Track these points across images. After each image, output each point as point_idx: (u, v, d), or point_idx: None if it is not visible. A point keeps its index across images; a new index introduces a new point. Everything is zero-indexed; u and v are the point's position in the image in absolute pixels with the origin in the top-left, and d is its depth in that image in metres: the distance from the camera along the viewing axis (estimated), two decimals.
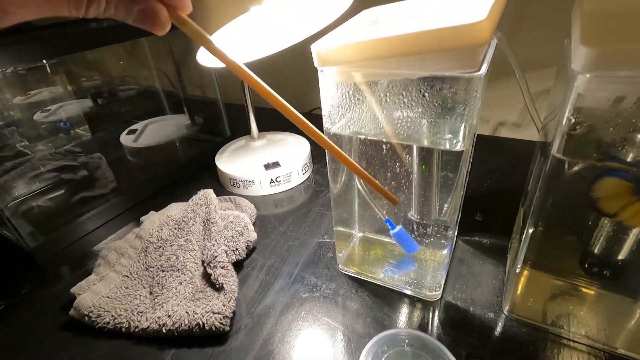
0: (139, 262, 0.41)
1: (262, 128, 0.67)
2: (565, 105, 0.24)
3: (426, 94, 0.27)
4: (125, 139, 0.73)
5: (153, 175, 0.64)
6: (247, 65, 0.24)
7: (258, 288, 0.41)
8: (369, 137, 0.32)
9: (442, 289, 0.37)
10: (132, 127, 0.77)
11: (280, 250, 0.46)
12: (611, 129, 0.23)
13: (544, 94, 0.62)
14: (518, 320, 0.35)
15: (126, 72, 0.89)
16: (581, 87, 0.23)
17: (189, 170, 0.68)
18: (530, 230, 0.32)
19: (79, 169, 0.62)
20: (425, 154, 0.34)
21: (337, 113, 0.32)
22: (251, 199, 0.58)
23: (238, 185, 0.58)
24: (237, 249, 0.42)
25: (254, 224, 0.51)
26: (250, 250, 0.46)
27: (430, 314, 0.36)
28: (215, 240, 0.41)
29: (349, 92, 0.30)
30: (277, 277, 0.42)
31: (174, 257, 0.40)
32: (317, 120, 0.28)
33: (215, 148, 0.68)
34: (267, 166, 0.59)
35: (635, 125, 0.22)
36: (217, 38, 0.25)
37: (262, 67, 0.39)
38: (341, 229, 0.43)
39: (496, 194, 0.53)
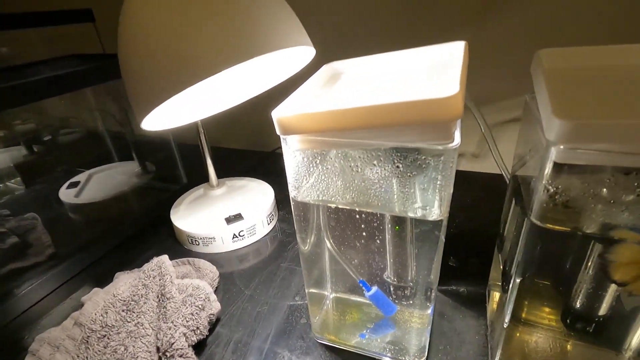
0: (78, 357, 0.34)
1: (220, 172, 0.63)
2: (541, 174, 0.23)
3: (400, 165, 0.25)
4: (66, 193, 0.66)
5: (99, 235, 0.57)
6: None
7: None
8: (338, 206, 0.30)
9: (426, 353, 0.35)
10: (73, 180, 0.69)
11: (247, 319, 0.42)
12: (590, 198, 0.22)
13: (500, 125, 0.64)
14: None
15: (68, 113, 0.82)
16: (556, 156, 0.22)
17: (141, 225, 0.62)
18: (517, 284, 0.30)
19: (7, 235, 0.54)
20: (397, 218, 0.32)
21: (303, 180, 0.29)
22: (212, 256, 0.53)
23: (197, 243, 0.53)
24: (198, 328, 0.37)
25: (216, 289, 0.47)
26: (214, 323, 0.41)
27: None
28: (172, 322, 0.36)
29: (315, 160, 0.28)
30: (246, 355, 0.37)
31: (122, 349, 0.34)
32: (279, 158, 0.25)
33: (172, 197, 0.62)
34: (229, 220, 0.54)
35: (614, 196, 0.22)
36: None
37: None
38: (314, 291, 0.39)
39: (467, 234, 0.52)
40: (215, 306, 0.40)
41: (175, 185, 0.70)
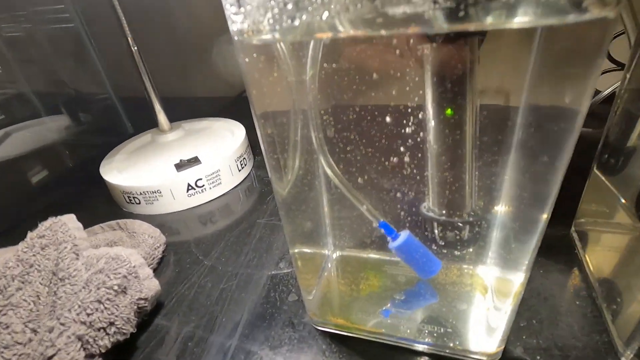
0: None
1: (177, 119, 0.47)
2: None
3: None
4: None
5: (13, 201, 0.41)
6: None
7: None
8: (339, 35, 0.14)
9: (504, 340, 0.20)
10: None
11: (205, 302, 0.27)
12: None
13: None
14: None
15: None
16: None
17: (70, 187, 0.46)
18: None
19: None
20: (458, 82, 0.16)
21: None
22: (161, 218, 0.37)
23: (137, 201, 0.37)
24: (111, 324, 0.22)
25: (160, 261, 0.31)
26: (150, 313, 0.26)
27: None
28: (59, 319, 0.21)
29: None
30: (202, 359, 0.22)
31: None
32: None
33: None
34: (180, 165, 0.38)
35: None
36: None
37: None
38: (305, 250, 0.24)
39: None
40: (149, 286, 0.25)
41: (118, 138, 0.53)
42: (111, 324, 0.22)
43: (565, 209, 0.27)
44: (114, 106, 0.56)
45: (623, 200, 0.23)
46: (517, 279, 0.18)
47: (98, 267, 0.24)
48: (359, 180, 0.22)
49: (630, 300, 0.20)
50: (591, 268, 0.24)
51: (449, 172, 0.19)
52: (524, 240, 0.18)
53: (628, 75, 0.22)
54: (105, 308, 0.22)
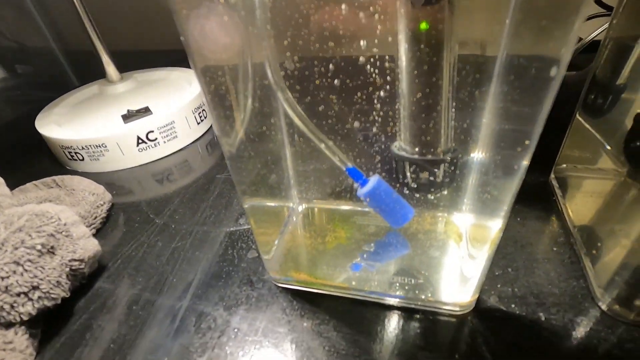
0: None
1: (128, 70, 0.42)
2: None
3: None
4: None
5: None
6: None
7: (102, 358, 0.19)
8: None
9: (477, 290, 0.19)
10: None
11: (154, 262, 0.24)
12: None
13: None
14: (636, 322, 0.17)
15: None
16: None
17: (6, 144, 0.41)
18: None
19: None
20: None
21: None
22: (108, 176, 0.33)
23: (80, 157, 0.33)
24: (34, 289, 0.19)
25: (106, 220, 0.28)
26: (90, 276, 0.23)
27: (464, 343, 0.17)
28: None
29: None
30: (146, 323, 0.20)
31: None
32: None
33: None
34: (129, 116, 0.34)
35: None
36: None
37: None
38: (265, 204, 0.22)
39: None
40: (85, 246, 0.22)
41: (61, 92, 0.47)
42: (34, 288, 0.19)
43: (545, 156, 0.26)
44: (57, 59, 0.49)
45: (607, 146, 0.21)
46: (494, 225, 0.16)
47: (17, 225, 0.20)
48: (324, 121, 0.19)
49: (612, 245, 0.19)
50: (570, 215, 0.23)
51: (422, 104, 0.17)
52: (502, 186, 0.16)
53: (620, 9, 0.20)
54: (26, 270, 0.18)
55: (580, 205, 0.23)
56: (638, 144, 0.19)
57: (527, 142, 0.14)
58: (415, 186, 0.19)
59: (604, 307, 0.18)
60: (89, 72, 0.45)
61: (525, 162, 0.14)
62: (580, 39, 0.38)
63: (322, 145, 0.18)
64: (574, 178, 0.24)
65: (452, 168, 0.18)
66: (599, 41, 0.22)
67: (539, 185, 0.26)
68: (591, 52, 0.24)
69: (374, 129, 0.19)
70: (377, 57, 0.16)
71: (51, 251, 0.20)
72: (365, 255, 0.21)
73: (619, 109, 0.20)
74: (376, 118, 0.18)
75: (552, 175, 0.26)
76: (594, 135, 0.22)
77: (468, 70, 0.16)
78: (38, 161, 0.37)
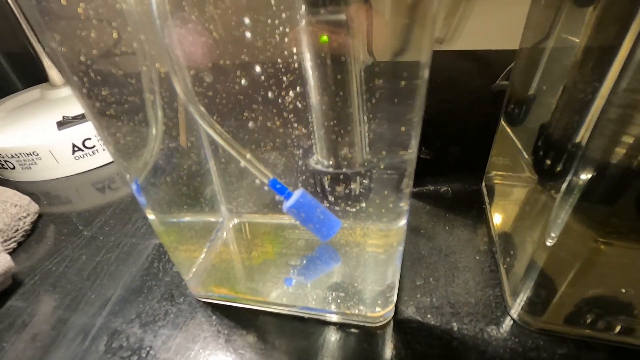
0: None
1: None
2: None
3: None
4: None
5: None
6: None
7: None
8: None
9: (395, 295, 0.19)
10: None
11: (74, 278, 0.23)
12: None
13: None
14: (544, 330, 0.18)
15: None
16: None
17: None
18: (588, 165, 0.14)
19: None
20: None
21: None
22: (42, 186, 0.32)
23: (10, 166, 0.32)
24: None
25: (30, 232, 0.26)
26: (4, 293, 0.22)
27: (377, 356, 0.17)
28: None
29: None
30: (55, 343, 0.19)
31: None
32: None
33: None
34: (63, 123, 0.32)
35: None
36: None
37: None
38: (187, 219, 0.21)
39: (444, 115, 0.36)
40: None
41: (1, 96, 0.45)
42: None
43: (479, 164, 0.26)
44: None
45: (524, 154, 0.22)
46: (393, 230, 0.16)
47: None
48: (244, 136, 0.18)
49: (522, 253, 0.19)
50: (494, 222, 0.23)
51: (331, 117, 0.17)
52: (393, 189, 0.16)
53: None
54: None
55: (502, 213, 0.23)
56: (541, 153, 0.19)
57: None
58: (333, 199, 0.19)
59: (514, 315, 0.18)
60: (34, 74, 0.43)
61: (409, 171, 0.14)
62: None
63: (243, 159, 0.18)
64: (499, 186, 0.25)
65: (368, 181, 0.18)
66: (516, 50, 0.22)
67: (472, 193, 0.26)
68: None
69: (293, 142, 0.19)
70: (287, 68, 0.16)
71: None
72: (296, 270, 0.21)
73: (532, 119, 0.21)
74: (294, 130, 0.18)
75: (483, 183, 0.27)
76: (514, 142, 0.23)
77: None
78: None
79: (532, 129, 0.20)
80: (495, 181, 0.25)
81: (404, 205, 0.15)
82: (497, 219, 0.23)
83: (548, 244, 0.16)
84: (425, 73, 0.11)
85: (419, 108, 0.12)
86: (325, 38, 0.15)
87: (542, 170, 0.18)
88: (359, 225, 0.20)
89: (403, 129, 0.13)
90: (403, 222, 0.16)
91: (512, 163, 0.23)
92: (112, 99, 0.15)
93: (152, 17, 0.14)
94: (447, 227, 0.24)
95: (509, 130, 0.23)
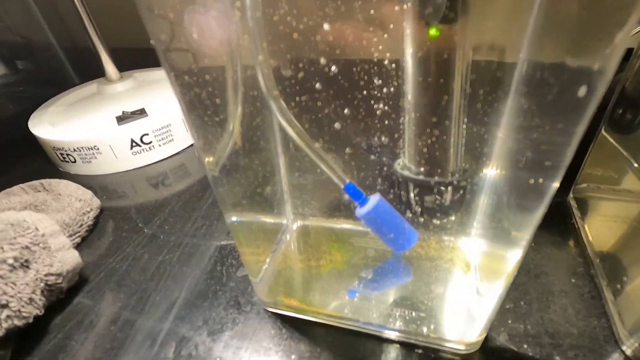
0: None
1: (129, 69, 0.40)
2: None
3: None
4: None
5: None
6: None
7: None
8: None
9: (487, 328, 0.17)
10: None
11: (138, 277, 0.22)
12: None
13: None
14: None
15: None
16: None
17: (2, 144, 0.40)
18: None
19: None
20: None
21: None
22: (101, 179, 0.32)
23: (72, 159, 0.32)
24: (2, 308, 0.17)
25: (93, 227, 0.26)
26: (69, 291, 0.22)
27: None
28: None
29: None
30: (124, 346, 0.18)
31: None
32: None
33: None
34: (123, 118, 0.33)
35: None
36: None
37: None
38: (255, 219, 0.20)
39: None
40: (64, 259, 0.20)
41: (61, 90, 0.46)
42: (3, 306, 0.17)
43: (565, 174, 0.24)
44: (57, 56, 0.48)
45: (635, 164, 0.19)
46: (511, 257, 0.14)
47: None
48: (322, 134, 0.17)
49: (638, 279, 0.17)
50: (591, 241, 0.21)
51: (429, 120, 0.15)
52: (523, 210, 0.14)
53: None
54: None
55: (603, 230, 0.21)
56: None
57: (547, 163, 0.12)
58: (419, 210, 0.17)
59: (629, 352, 0.16)
60: (90, 69, 0.44)
61: (555, 184, 0.12)
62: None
63: (319, 160, 0.16)
64: (595, 199, 0.22)
65: (461, 192, 0.16)
66: (632, 49, 0.20)
67: (554, 206, 0.24)
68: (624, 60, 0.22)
69: (377, 142, 0.17)
70: (381, 63, 0.15)
71: (25, 265, 0.19)
72: (362, 283, 0.19)
73: None
74: (379, 130, 0.16)
75: (571, 195, 0.24)
76: (621, 153, 0.20)
77: (483, 82, 0.14)
78: (31, 160, 0.36)
79: None
80: (589, 194, 0.22)
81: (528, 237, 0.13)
82: (594, 237, 0.21)
83: None
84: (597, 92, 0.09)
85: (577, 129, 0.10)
86: (434, 31, 0.13)
87: None
88: (464, 242, 0.18)
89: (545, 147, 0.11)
90: (517, 253, 0.14)
91: (616, 174, 0.20)
92: (204, 93, 0.14)
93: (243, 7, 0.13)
94: (533, 244, 0.21)
95: (612, 139, 0.20)
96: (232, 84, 0.16)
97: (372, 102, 0.15)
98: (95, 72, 0.41)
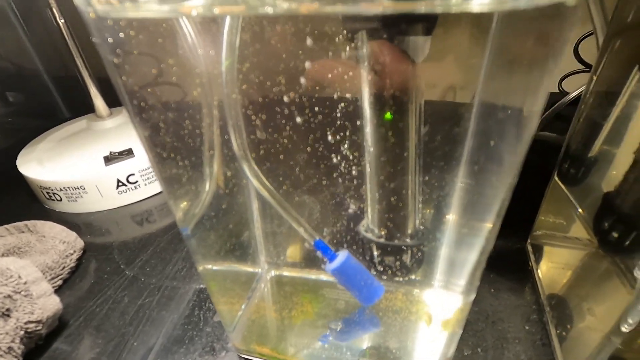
0: None
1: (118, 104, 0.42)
2: None
3: None
4: None
5: None
6: None
7: None
8: None
9: None
10: None
11: (117, 321, 0.23)
12: None
13: None
14: None
15: None
16: None
17: None
18: None
19: None
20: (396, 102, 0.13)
21: None
22: (86, 217, 0.33)
23: (57, 198, 0.33)
24: None
25: (75, 269, 0.27)
26: (47, 336, 0.22)
27: None
28: None
29: None
30: None
31: None
32: None
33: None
34: (110, 158, 0.34)
35: None
36: None
37: None
38: (226, 269, 0.21)
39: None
40: (45, 306, 0.21)
41: (52, 122, 0.47)
42: None
43: (523, 220, 0.26)
44: (47, 87, 0.49)
45: (580, 211, 0.21)
46: (458, 303, 0.16)
47: None
48: (292, 192, 0.19)
49: (581, 326, 0.18)
50: (543, 287, 0.22)
51: (387, 187, 0.17)
52: (464, 258, 0.15)
53: (595, 78, 0.20)
54: None
55: (553, 277, 0.22)
56: (606, 225, 0.18)
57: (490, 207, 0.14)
58: (382, 269, 0.18)
59: None
60: (81, 102, 0.45)
61: (489, 228, 0.14)
62: (566, 93, 0.38)
63: (290, 217, 0.18)
64: (548, 246, 0.24)
65: (420, 253, 0.18)
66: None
67: (515, 252, 0.26)
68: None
69: (346, 203, 0.19)
70: (346, 131, 0.16)
71: (6, 314, 0.19)
72: (332, 331, 0.20)
73: (591, 182, 0.20)
74: (346, 194, 0.18)
75: (529, 242, 0.26)
76: (570, 201, 0.22)
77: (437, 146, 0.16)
78: (17, 195, 0.37)
79: (591, 192, 0.20)
80: (543, 240, 0.24)
81: (467, 283, 0.15)
82: (546, 283, 0.22)
83: (624, 329, 0.15)
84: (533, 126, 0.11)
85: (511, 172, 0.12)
86: (389, 115, 0.15)
87: (605, 239, 0.18)
88: (427, 293, 0.19)
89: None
90: (467, 299, 0.15)
91: (565, 222, 0.22)
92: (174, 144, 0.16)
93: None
94: (492, 290, 0.23)
95: (563, 187, 0.22)
96: (208, 144, 0.17)
97: (341, 168, 0.17)
98: (86, 104, 0.42)
